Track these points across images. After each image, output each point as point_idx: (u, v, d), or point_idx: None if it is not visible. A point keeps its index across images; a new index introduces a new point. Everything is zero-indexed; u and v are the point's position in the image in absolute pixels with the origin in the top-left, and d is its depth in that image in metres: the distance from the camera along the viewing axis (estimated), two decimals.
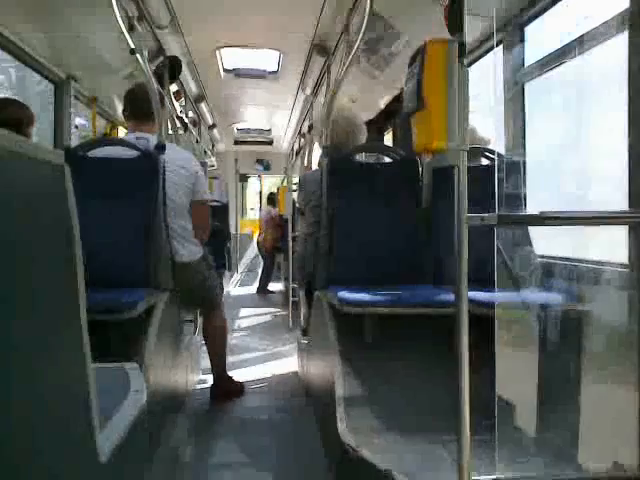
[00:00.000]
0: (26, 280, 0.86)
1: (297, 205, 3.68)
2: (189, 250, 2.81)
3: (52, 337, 0.95)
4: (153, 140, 2.66)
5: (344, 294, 2.22)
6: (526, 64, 2.60)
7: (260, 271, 8.78)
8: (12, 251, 0.81)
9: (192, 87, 5.40)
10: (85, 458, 1.07)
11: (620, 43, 1.56)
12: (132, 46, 2.73)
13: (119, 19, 2.64)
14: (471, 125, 2.70)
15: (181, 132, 4.91)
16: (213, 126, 7.29)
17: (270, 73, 5.38)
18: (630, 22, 1.47)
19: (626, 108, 1.51)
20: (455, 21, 1.32)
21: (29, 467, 0.84)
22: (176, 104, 4.83)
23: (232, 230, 8.90)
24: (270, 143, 9.13)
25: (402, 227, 2.66)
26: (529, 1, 2.48)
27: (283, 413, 2.95)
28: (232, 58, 5.10)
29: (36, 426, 0.86)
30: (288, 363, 4.02)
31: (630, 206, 1.46)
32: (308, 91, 5.18)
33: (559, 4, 2.34)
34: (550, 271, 2.02)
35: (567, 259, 2.04)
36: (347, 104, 4.14)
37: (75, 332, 1.05)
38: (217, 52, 4.75)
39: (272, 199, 8.52)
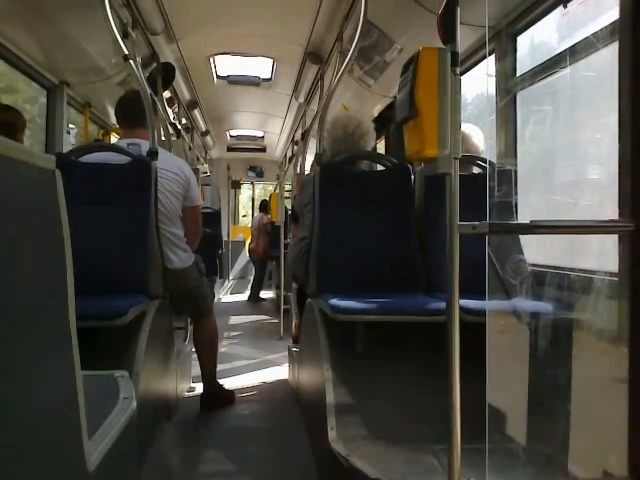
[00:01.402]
0: (14, 286, 0.85)
1: (292, 210, 3.67)
2: (180, 257, 2.80)
3: (40, 344, 0.94)
4: (145, 146, 2.66)
5: (335, 302, 2.22)
6: (518, 73, 2.62)
7: (252, 278, 8.76)
8: (0, 256, 0.80)
9: (185, 93, 5.41)
10: (73, 466, 1.06)
11: (611, 53, 1.57)
12: (125, 52, 2.73)
13: (113, 25, 2.64)
14: (466, 132, 2.73)
15: (174, 139, 4.92)
16: (206, 133, 7.30)
17: (264, 80, 5.40)
18: (620, 32, 1.48)
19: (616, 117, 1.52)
20: (448, 30, 1.33)
21: (15, 475, 0.83)
22: (169, 110, 4.83)
23: (224, 237, 8.89)
24: (263, 150, 9.14)
25: (394, 235, 2.66)
26: (521, 11, 2.50)
27: (273, 421, 2.94)
28: (226, 65, 5.12)
29: (23, 433, 0.85)
30: (279, 371, 4.01)
31: (620, 215, 1.47)
32: (301, 99, 5.20)
33: (551, 14, 2.36)
34: (541, 279, 2.03)
35: (558, 267, 2.04)
36: (349, 112, 4.15)
37: (64, 339, 1.04)
38: (211, 59, 4.77)
39: (264, 206, 8.53)
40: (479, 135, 2.82)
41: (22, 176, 0.91)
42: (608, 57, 1.60)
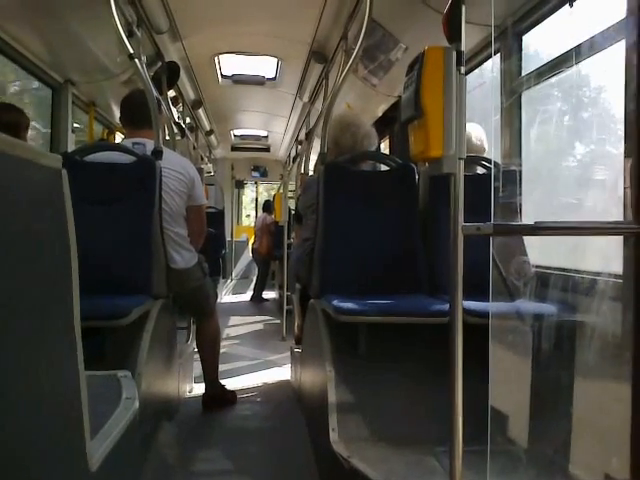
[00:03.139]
0: (20, 285, 0.85)
1: (295, 211, 3.66)
2: (184, 257, 2.79)
3: (45, 343, 0.94)
4: (150, 146, 2.66)
5: (338, 302, 2.21)
6: (523, 73, 2.61)
7: (255, 278, 8.76)
8: (6, 255, 0.80)
9: (190, 93, 5.41)
10: (76, 466, 1.06)
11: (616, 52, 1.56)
12: (130, 51, 2.73)
13: (118, 24, 2.64)
14: (467, 130, 2.71)
15: (178, 138, 4.91)
16: (210, 132, 7.29)
17: (268, 80, 5.40)
18: (626, 31, 1.47)
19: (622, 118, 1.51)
20: (453, 29, 1.32)
21: (19, 475, 0.83)
22: (173, 110, 4.83)
23: (227, 237, 8.89)
24: (267, 150, 9.13)
25: (398, 235, 2.65)
26: (527, 10, 2.49)
27: (275, 422, 2.94)
28: (230, 64, 5.12)
29: (26, 433, 0.84)
30: (281, 372, 4.00)
31: (624, 217, 1.46)
32: (306, 98, 5.19)
33: (557, 13, 2.35)
34: (545, 281, 2.02)
35: (562, 269, 2.03)
36: (351, 111, 4.14)
37: (68, 339, 1.04)
38: (215, 58, 4.76)
39: (268, 206, 8.53)
40: (480, 133, 2.80)
41: (29, 175, 0.91)
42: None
